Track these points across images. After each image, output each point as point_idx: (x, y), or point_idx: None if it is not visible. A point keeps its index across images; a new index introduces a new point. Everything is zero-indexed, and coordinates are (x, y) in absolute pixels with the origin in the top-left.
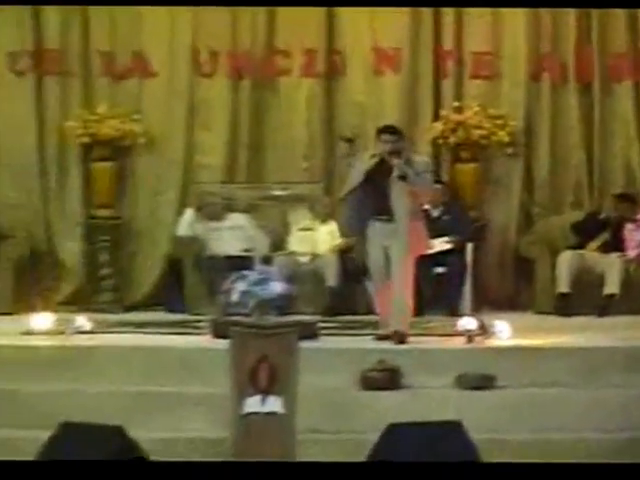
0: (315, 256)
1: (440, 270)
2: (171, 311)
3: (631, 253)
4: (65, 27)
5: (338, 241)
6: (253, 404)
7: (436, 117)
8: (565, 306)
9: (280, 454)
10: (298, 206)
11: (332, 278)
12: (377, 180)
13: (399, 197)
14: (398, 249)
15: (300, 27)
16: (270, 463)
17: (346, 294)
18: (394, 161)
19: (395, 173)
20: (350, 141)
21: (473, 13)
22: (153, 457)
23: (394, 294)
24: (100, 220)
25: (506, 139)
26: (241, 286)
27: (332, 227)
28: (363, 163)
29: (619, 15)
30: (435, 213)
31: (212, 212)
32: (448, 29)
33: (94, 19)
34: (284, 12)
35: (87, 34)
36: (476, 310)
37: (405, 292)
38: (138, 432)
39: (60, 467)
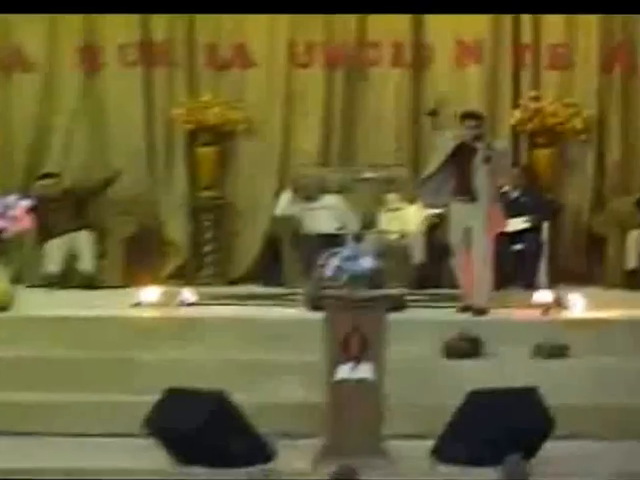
0: (403, 234)
1: (518, 247)
2: (269, 285)
3: None
4: (172, 21)
5: (424, 220)
6: (345, 371)
7: (515, 105)
8: (633, 281)
9: (369, 418)
10: (387, 188)
11: (418, 255)
12: (458, 162)
13: (481, 179)
14: (479, 228)
15: (389, 22)
16: None
17: (431, 269)
18: (478, 145)
19: (478, 156)
20: (434, 114)
21: None
22: (252, 420)
23: (475, 270)
24: (204, 200)
25: (580, 126)
26: (334, 262)
27: (418, 207)
28: (445, 146)
29: None
30: (514, 194)
31: (307, 193)
32: (526, 23)
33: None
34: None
35: (193, 28)
36: (552, 284)
37: (486, 268)
38: (238, 397)
39: None
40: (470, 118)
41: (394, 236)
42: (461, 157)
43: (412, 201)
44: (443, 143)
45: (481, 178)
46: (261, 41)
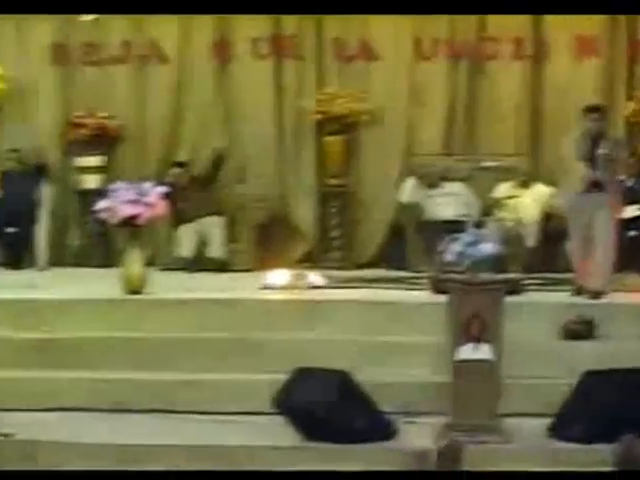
0: (520, 220)
1: (632, 233)
2: (394, 269)
3: None
4: (301, 16)
5: (540, 208)
6: (466, 352)
7: (629, 97)
8: None
9: (488, 397)
10: (506, 176)
11: (534, 240)
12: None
13: (605, 170)
14: (604, 216)
15: (510, 18)
16: None
17: (546, 254)
18: (603, 139)
19: (603, 149)
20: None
21: None
22: (375, 399)
23: (597, 256)
24: (331, 188)
25: None
26: (456, 247)
27: (535, 195)
28: (581, 143)
29: None
30: (629, 183)
31: (430, 181)
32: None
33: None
34: None
35: (321, 22)
36: None
37: (608, 255)
38: (362, 376)
39: None
40: (594, 111)
41: (512, 222)
42: (587, 151)
43: (528, 189)
44: (574, 140)
45: (605, 169)
46: (386, 35)
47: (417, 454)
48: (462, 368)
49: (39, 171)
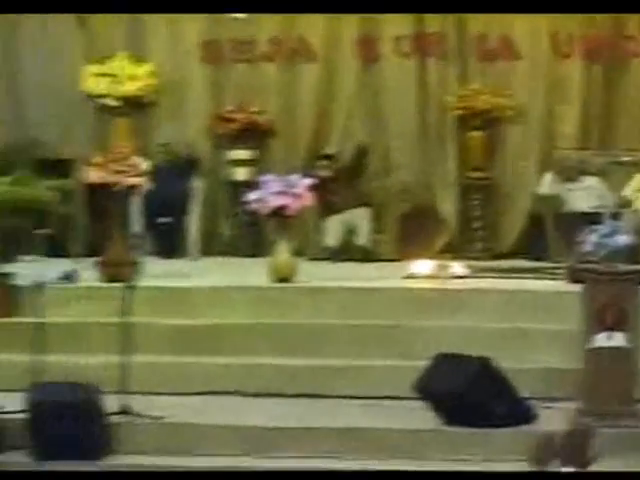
0: None
1: None
2: (533, 259)
3: None
4: (444, 14)
5: None
6: (601, 340)
7: None
8: None
9: (623, 384)
10: None
11: None
12: None
13: None
14: None
15: None
16: None
17: None
18: None
19: None
20: None
21: None
22: (515, 383)
23: None
24: (473, 181)
25: None
26: (593, 238)
27: None
28: None
29: None
30: None
31: (569, 174)
32: None
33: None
34: None
35: (463, 20)
36: None
37: None
38: (502, 363)
39: None
40: None
41: None
42: None
43: None
44: None
45: None
46: (525, 32)
47: (544, 437)
48: (597, 355)
49: (190, 165)
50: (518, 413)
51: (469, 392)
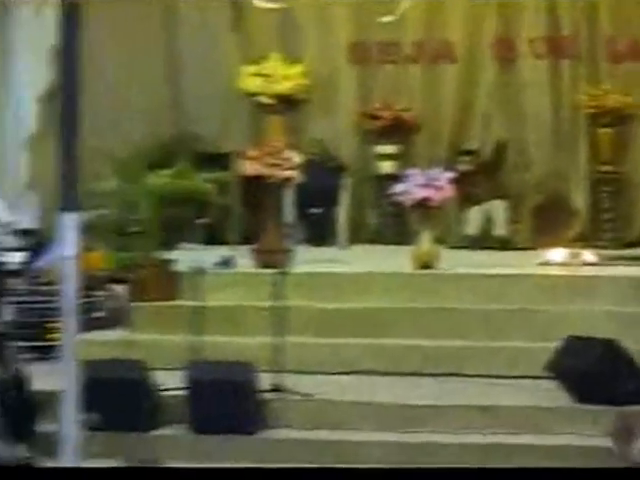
0: None
1: None
2: None
3: None
4: (576, 17)
5: None
6: None
7: None
8: None
9: None
10: None
11: None
12: None
13: None
14: None
15: None
16: None
17: None
18: None
19: None
20: None
21: None
22: None
23: None
24: (602, 175)
25: None
26: None
27: None
28: None
29: None
30: None
31: None
32: None
33: (602, 6)
34: None
35: (595, 20)
36: None
37: None
38: (631, 346)
39: None
40: None
41: None
42: None
43: None
44: None
45: None
46: None
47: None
48: None
49: (338, 164)
50: None
51: (600, 371)
